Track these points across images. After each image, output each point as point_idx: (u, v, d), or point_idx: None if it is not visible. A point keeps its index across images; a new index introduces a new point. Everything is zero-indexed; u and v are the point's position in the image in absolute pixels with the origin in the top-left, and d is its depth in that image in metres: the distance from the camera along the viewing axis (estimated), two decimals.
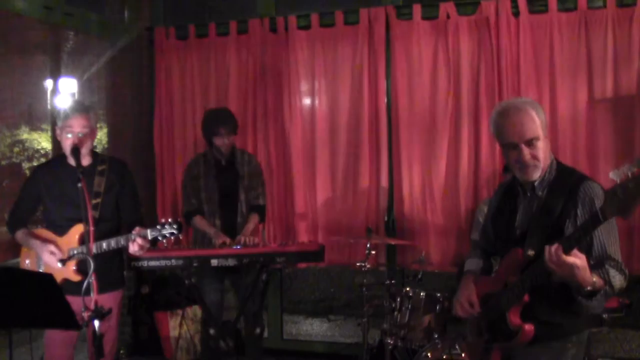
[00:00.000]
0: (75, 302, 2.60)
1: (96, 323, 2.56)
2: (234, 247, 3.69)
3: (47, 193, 3.18)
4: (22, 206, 3.27)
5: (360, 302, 3.92)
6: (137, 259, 3.50)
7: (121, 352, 4.65)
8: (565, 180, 2.19)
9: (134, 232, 2.99)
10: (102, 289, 2.85)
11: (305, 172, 4.69)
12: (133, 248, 3.01)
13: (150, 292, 4.91)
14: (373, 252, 3.92)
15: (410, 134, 4.45)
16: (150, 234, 2.97)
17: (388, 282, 3.98)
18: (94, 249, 2.96)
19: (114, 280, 3.26)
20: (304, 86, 4.73)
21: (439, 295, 3.69)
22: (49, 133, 13.23)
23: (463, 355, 3.40)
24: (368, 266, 3.86)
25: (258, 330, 4.00)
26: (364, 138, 4.54)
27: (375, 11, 4.50)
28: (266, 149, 4.73)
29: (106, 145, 6.70)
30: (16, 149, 14.37)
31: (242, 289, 4.02)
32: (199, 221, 4.01)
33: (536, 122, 2.15)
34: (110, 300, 3.08)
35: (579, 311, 2.17)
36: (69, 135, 3.07)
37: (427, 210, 4.44)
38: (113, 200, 3.21)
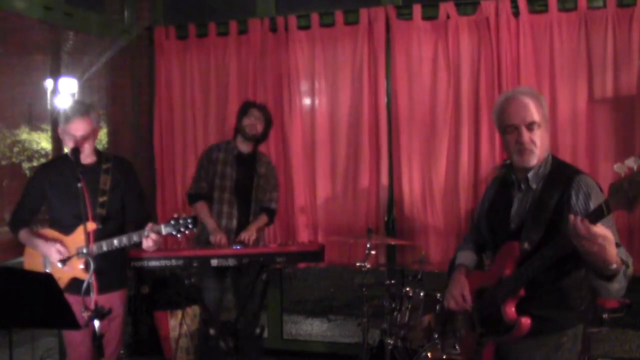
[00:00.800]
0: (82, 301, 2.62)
1: (96, 323, 2.57)
2: (234, 247, 3.69)
3: (52, 191, 3.17)
4: (25, 205, 3.26)
5: (360, 302, 3.92)
6: (137, 259, 3.50)
7: (121, 352, 4.64)
8: (560, 173, 2.20)
9: (147, 227, 2.98)
10: (108, 288, 2.85)
11: (305, 172, 4.70)
12: (147, 244, 3.01)
13: (150, 292, 4.91)
14: (373, 252, 3.92)
15: (410, 133, 4.45)
16: (164, 229, 2.97)
17: (388, 282, 3.98)
18: (104, 246, 2.98)
19: (119, 279, 3.26)
20: (304, 86, 4.73)
21: (439, 295, 3.68)
22: (49, 133, 13.23)
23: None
24: (368, 266, 3.86)
25: (258, 331, 4.01)
26: (364, 138, 4.54)
27: (375, 11, 4.50)
28: (266, 149, 4.72)
29: (106, 145, 6.70)
30: (16, 149, 14.37)
31: (242, 289, 4.02)
32: (200, 207, 3.97)
33: (539, 110, 2.20)
34: (115, 299, 3.09)
35: (573, 306, 2.18)
36: (71, 138, 3.07)
37: (427, 210, 4.44)
38: (119, 198, 3.21)
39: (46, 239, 3.10)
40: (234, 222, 3.98)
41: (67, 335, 3.20)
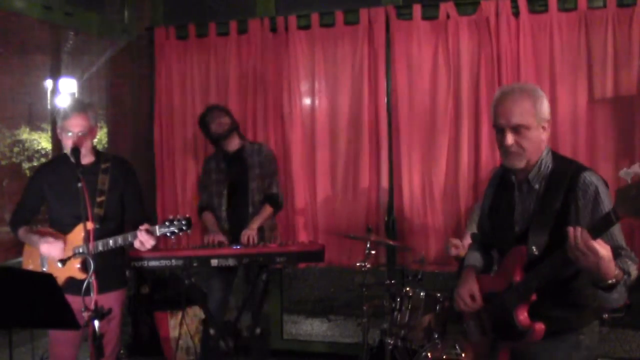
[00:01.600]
0: (79, 301, 2.61)
1: (96, 323, 2.56)
2: (234, 247, 3.69)
3: (50, 192, 3.18)
4: (25, 205, 3.28)
5: (360, 302, 3.92)
6: (137, 259, 3.50)
7: (121, 352, 4.64)
8: (563, 172, 2.13)
9: (141, 227, 2.98)
10: (106, 288, 2.85)
11: (305, 172, 4.69)
12: (136, 244, 3.01)
13: (150, 292, 4.91)
14: (373, 252, 3.92)
15: (410, 133, 4.45)
16: (158, 230, 2.97)
17: (388, 282, 3.98)
18: (100, 246, 2.97)
19: (117, 279, 3.26)
20: (304, 86, 4.73)
21: (439, 295, 3.69)
22: (49, 133, 13.23)
23: (464, 355, 3.40)
24: (368, 266, 3.86)
25: (258, 331, 4.01)
26: (364, 138, 4.54)
27: (375, 11, 4.49)
28: None
29: (106, 145, 6.71)
30: (16, 149, 14.37)
31: (242, 289, 4.03)
32: (205, 217, 4.12)
33: (528, 110, 2.12)
34: (113, 299, 3.08)
35: (587, 303, 2.12)
36: (69, 135, 3.07)
37: (427, 210, 4.44)
38: (117, 198, 3.21)
39: (45, 237, 3.10)
40: (226, 226, 4.05)
41: (52, 335, 3.19)
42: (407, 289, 3.76)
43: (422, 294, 3.70)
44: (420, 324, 3.69)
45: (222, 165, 4.14)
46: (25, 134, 14.60)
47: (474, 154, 4.33)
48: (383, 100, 4.52)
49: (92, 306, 2.59)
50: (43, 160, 12.67)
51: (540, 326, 2.08)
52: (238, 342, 3.96)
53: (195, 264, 3.60)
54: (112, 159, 3.28)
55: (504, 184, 2.35)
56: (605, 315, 3.44)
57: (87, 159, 3.14)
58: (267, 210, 4.04)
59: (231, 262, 3.62)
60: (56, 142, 3.30)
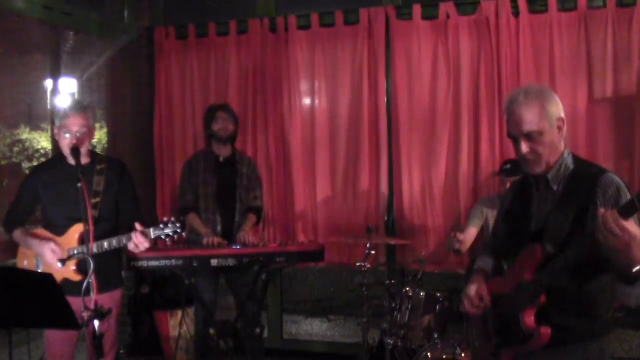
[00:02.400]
0: (75, 302, 2.60)
1: (96, 323, 2.56)
2: (234, 247, 3.69)
3: (45, 193, 3.17)
4: (20, 206, 3.26)
5: (360, 302, 3.92)
6: (137, 259, 3.50)
7: (121, 352, 4.65)
8: (584, 173, 2.08)
9: (137, 227, 2.97)
10: (100, 289, 2.84)
11: (305, 172, 4.69)
12: (129, 246, 2.99)
13: (150, 292, 4.91)
14: (373, 252, 3.92)
15: (410, 133, 4.45)
16: (153, 232, 2.96)
17: (388, 282, 3.98)
18: (94, 248, 2.96)
19: (113, 280, 3.25)
20: (304, 86, 4.73)
21: (439, 295, 3.69)
22: (49, 133, 13.25)
23: (464, 355, 3.40)
24: (368, 266, 3.86)
25: (258, 331, 4.00)
26: (364, 138, 4.54)
27: (375, 11, 4.50)
28: (266, 149, 4.73)
29: (106, 145, 6.71)
30: (16, 149, 14.39)
31: (241, 289, 4.02)
32: (192, 219, 3.98)
33: (539, 115, 2.06)
34: (109, 300, 3.07)
35: (599, 314, 2.05)
36: (67, 135, 3.06)
37: (427, 210, 4.44)
38: (112, 200, 3.20)
39: (40, 239, 3.10)
40: (218, 228, 4.00)
41: (48, 334, 3.19)
42: (407, 289, 3.76)
43: (422, 294, 3.70)
44: (420, 324, 3.69)
45: (213, 168, 4.06)
46: (25, 134, 14.62)
47: (474, 153, 4.33)
48: (383, 100, 4.52)
49: (92, 306, 2.59)
50: (43, 160, 12.68)
51: (546, 330, 2.00)
52: (237, 342, 3.96)
53: (195, 264, 3.60)
54: (108, 161, 3.28)
55: (523, 187, 2.30)
56: None
57: (83, 159, 3.13)
58: (253, 219, 4.04)
59: (231, 262, 3.62)
60: (56, 142, 3.29)
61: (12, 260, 3.49)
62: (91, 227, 2.90)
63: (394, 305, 3.77)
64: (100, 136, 10.65)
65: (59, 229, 3.11)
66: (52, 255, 3.02)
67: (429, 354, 3.51)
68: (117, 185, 3.22)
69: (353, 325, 5.61)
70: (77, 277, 3.04)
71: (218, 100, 4.82)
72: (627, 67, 4.05)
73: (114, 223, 3.22)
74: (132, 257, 3.49)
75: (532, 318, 2.02)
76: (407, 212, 4.47)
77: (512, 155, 3.33)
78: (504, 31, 4.19)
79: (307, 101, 4.75)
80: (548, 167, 2.12)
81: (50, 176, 3.19)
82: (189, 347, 4.69)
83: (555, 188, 2.12)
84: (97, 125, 3.36)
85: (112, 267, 3.23)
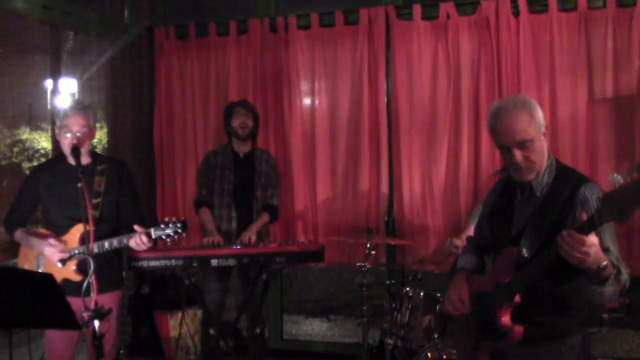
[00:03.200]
0: (75, 302, 2.60)
1: (96, 323, 2.56)
2: (234, 247, 3.70)
3: (46, 193, 3.17)
4: (20, 206, 3.26)
5: (360, 302, 3.92)
6: (137, 259, 3.50)
7: (121, 352, 4.65)
8: (565, 182, 2.16)
9: (137, 229, 2.97)
10: (101, 289, 2.84)
11: (305, 172, 4.69)
12: (131, 244, 3.00)
13: (150, 292, 4.91)
14: (373, 252, 3.92)
15: (410, 134, 4.45)
16: (153, 232, 2.96)
17: (388, 282, 3.98)
18: (95, 248, 2.96)
19: (113, 280, 3.25)
20: (304, 86, 4.73)
21: (439, 295, 3.68)
22: (49, 133, 13.24)
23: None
24: (368, 266, 3.86)
25: (258, 330, 4.01)
26: (364, 138, 4.54)
27: (375, 11, 4.49)
28: (266, 149, 4.72)
29: (106, 145, 6.71)
30: (16, 149, 14.38)
31: (242, 289, 4.02)
32: (202, 213, 4.00)
33: (528, 124, 2.12)
34: (109, 300, 3.07)
35: (573, 313, 2.16)
36: (68, 135, 3.07)
37: (427, 210, 4.43)
38: (113, 200, 3.21)
39: (41, 237, 3.09)
40: (233, 225, 3.99)
41: (48, 335, 3.19)
42: (407, 289, 3.76)
43: (422, 294, 3.70)
44: (420, 324, 3.69)
45: (231, 164, 4.05)
46: (25, 134, 14.61)
47: (474, 153, 4.33)
48: (383, 100, 4.52)
49: (92, 306, 2.59)
50: (43, 160, 12.68)
51: (518, 329, 2.12)
52: (238, 342, 3.96)
53: (195, 264, 3.60)
54: (109, 161, 3.28)
55: (506, 189, 2.37)
56: (605, 315, 3.45)
57: (83, 160, 3.13)
58: (265, 218, 4.03)
59: (231, 262, 3.62)
60: (56, 142, 3.30)
61: (12, 260, 3.49)
62: (91, 227, 2.91)
63: (393, 305, 3.77)
64: (100, 136, 10.64)
65: (60, 229, 3.11)
66: (51, 248, 3.01)
67: (429, 354, 3.51)
68: (118, 185, 3.22)
69: (353, 325, 5.60)
70: (77, 277, 3.04)
71: (218, 100, 4.84)
72: (627, 66, 4.05)
73: (114, 223, 3.22)
74: (133, 257, 3.50)
75: (508, 317, 2.14)
76: (407, 213, 4.47)
77: None
78: (504, 31, 4.19)
79: (307, 101, 4.75)
80: (538, 174, 2.18)
81: (51, 176, 3.19)
82: (189, 347, 4.70)
83: (538, 194, 2.20)
84: (97, 125, 3.35)
85: (112, 267, 3.24)
